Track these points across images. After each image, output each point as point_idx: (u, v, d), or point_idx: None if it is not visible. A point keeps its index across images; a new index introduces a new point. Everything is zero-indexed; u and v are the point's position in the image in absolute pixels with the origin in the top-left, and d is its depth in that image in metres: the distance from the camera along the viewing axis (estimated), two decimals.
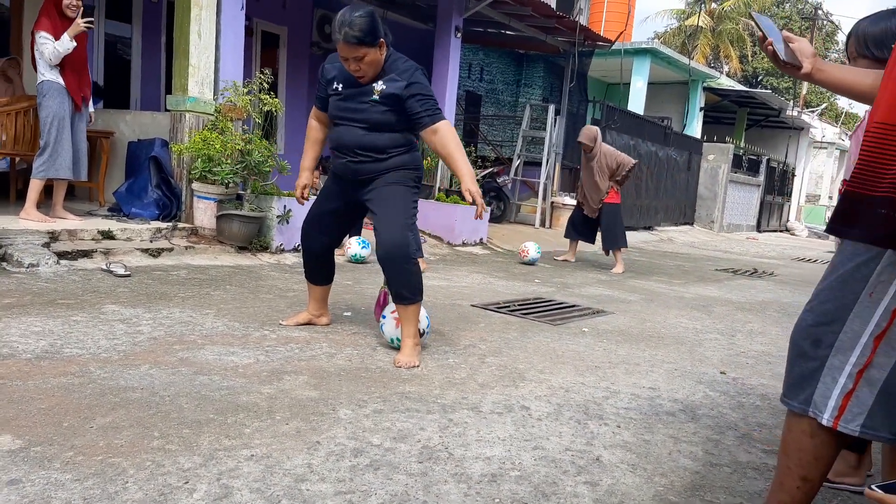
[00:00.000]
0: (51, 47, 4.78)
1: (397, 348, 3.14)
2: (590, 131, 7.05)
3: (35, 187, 4.94)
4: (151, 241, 5.13)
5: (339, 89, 3.03)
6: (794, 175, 20.96)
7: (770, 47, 1.80)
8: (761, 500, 1.97)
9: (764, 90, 18.51)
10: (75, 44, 4.84)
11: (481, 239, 8.17)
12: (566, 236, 7.57)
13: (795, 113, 19.07)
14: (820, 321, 1.59)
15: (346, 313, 3.91)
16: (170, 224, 5.42)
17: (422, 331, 3.19)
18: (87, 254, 4.53)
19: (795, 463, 1.62)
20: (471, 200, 2.88)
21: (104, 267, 4.35)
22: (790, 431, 1.64)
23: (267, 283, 4.62)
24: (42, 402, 2.15)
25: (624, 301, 5.35)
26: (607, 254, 7.45)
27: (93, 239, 4.81)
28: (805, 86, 24.88)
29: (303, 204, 3.39)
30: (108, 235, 4.91)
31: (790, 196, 21.00)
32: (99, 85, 7.39)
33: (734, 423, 2.66)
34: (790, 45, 1.81)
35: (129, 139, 6.10)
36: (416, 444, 2.12)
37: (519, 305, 4.68)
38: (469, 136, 12.24)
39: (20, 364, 2.48)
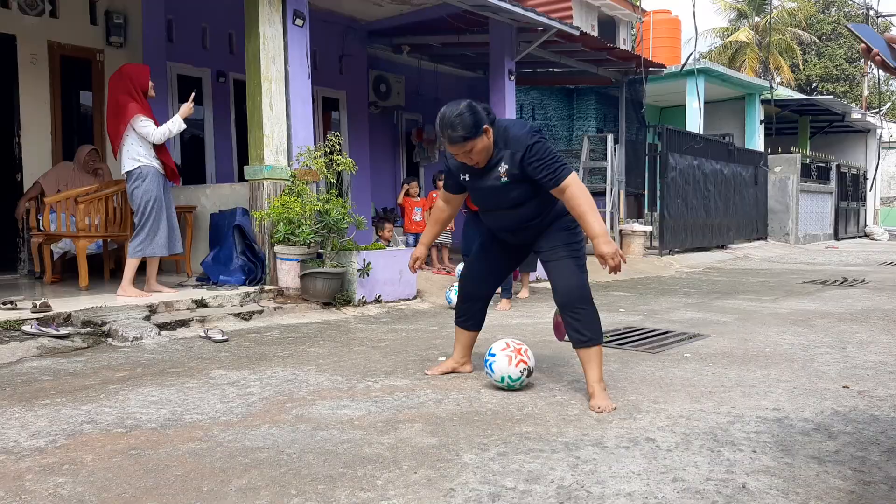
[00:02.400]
0: (163, 129, 5.12)
1: (507, 388, 3.13)
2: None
3: (132, 265, 5.17)
4: (242, 306, 5.28)
5: (467, 178, 3.13)
6: (866, 178, 20.12)
7: (878, 57, 1.74)
8: None
9: (823, 96, 17.98)
10: (185, 125, 5.24)
11: None
12: None
13: (859, 116, 18.41)
14: None
15: (440, 358, 3.89)
16: (256, 288, 5.58)
17: (532, 368, 3.20)
18: (184, 323, 4.69)
19: None
20: (603, 266, 2.87)
21: (202, 334, 4.49)
22: None
23: (357, 335, 4.67)
24: (177, 469, 2.20)
25: (718, 322, 5.17)
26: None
27: (188, 308, 4.99)
28: (866, 87, 24.07)
29: (414, 272, 3.62)
30: (201, 304, 5.08)
31: (865, 200, 20.13)
32: (178, 164, 7.77)
33: (874, 437, 2.50)
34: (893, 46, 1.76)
35: (211, 211, 6.36)
36: (551, 484, 2.07)
37: (611, 336, 4.58)
38: None
39: (147, 434, 2.55)
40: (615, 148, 10.42)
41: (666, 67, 10.57)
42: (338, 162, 5.80)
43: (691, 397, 3.07)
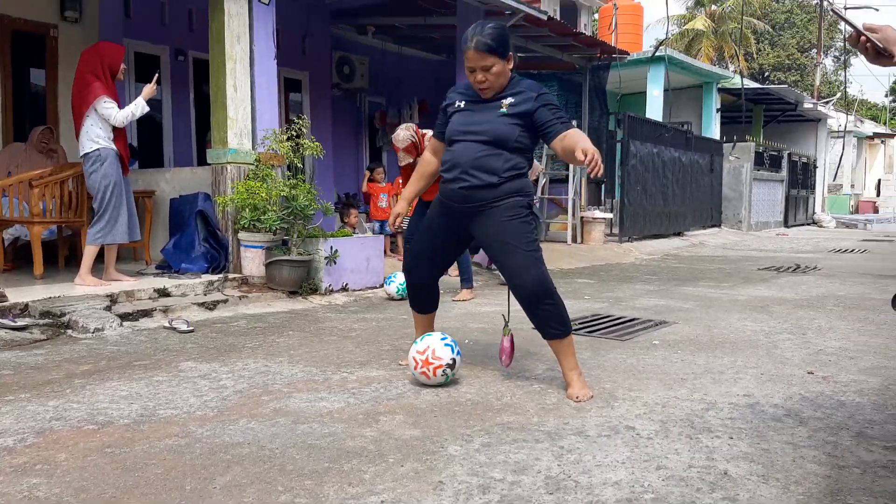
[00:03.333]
0: (126, 112, 4.93)
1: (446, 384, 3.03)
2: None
3: (90, 253, 5.00)
4: (206, 295, 5.16)
5: (461, 105, 2.98)
6: (815, 167, 20.75)
7: (868, 43, 1.77)
8: None
9: (777, 85, 18.43)
10: (148, 108, 5.04)
11: None
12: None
13: (811, 105, 18.95)
14: None
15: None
16: (220, 276, 5.46)
17: (452, 360, 3.03)
18: (147, 313, 4.56)
19: None
20: (581, 159, 2.62)
21: (167, 325, 4.38)
22: None
23: (326, 325, 4.62)
24: (156, 467, 2.14)
25: (681, 309, 5.28)
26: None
27: (150, 298, 4.85)
28: (818, 77, 24.76)
29: (394, 230, 3.42)
30: (163, 293, 4.95)
31: (814, 188, 20.78)
32: (134, 146, 7.52)
33: (843, 422, 2.59)
34: (873, 35, 1.79)
35: (171, 196, 6.18)
36: (538, 475, 2.08)
37: (580, 324, 4.63)
38: None
39: (121, 430, 2.48)
40: None
41: (630, 54, 10.65)
42: (305, 146, 5.70)
43: (664, 384, 3.12)
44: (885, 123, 35.07)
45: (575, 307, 5.41)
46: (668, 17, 12.64)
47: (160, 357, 3.61)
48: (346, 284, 5.93)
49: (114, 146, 4.98)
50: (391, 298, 5.74)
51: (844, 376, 3.27)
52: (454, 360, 3.04)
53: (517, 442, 2.37)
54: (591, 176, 2.70)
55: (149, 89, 5.03)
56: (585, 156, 2.61)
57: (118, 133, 5.03)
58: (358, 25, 10.19)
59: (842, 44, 32.25)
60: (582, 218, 10.47)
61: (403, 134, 5.38)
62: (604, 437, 2.41)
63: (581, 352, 3.76)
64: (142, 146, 7.70)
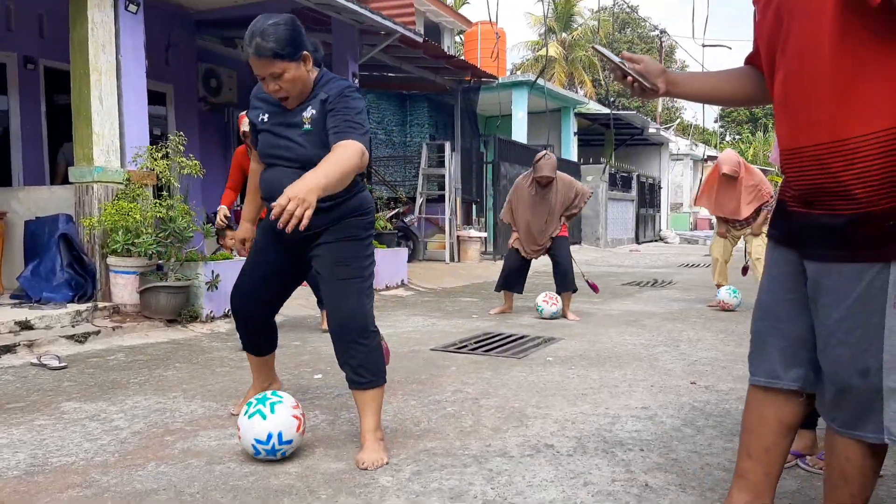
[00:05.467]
0: None
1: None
2: (551, 160, 5.85)
3: None
4: (73, 326, 4.73)
5: (265, 120, 2.49)
6: (660, 187, 22.57)
7: (630, 77, 1.78)
8: (805, 498, 2.12)
9: (625, 111, 19.90)
10: None
11: (402, 280, 8.17)
12: (500, 288, 6.21)
13: (654, 130, 20.63)
14: (856, 351, 1.54)
15: (316, 375, 3.80)
16: (89, 305, 5.03)
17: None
18: (9, 349, 4.11)
19: (859, 489, 1.61)
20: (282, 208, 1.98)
21: (35, 361, 3.96)
22: (851, 460, 1.60)
23: (214, 355, 4.39)
24: None
25: (564, 325, 5.54)
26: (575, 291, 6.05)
27: (10, 332, 4.37)
28: (659, 103, 26.98)
29: (243, 256, 2.90)
30: (26, 325, 4.48)
31: (660, 207, 22.58)
32: None
33: (733, 428, 2.84)
34: (635, 67, 1.79)
35: (26, 217, 5.61)
36: (475, 499, 2.11)
37: (475, 344, 4.73)
38: (366, 179, 12.27)
39: (13, 484, 2.22)
40: (452, 155, 10.75)
41: (498, 79, 11.08)
42: (182, 164, 5.40)
43: (567, 401, 3.27)
44: (715, 146, 38.89)
45: (465, 326, 5.53)
46: (546, 41, 13.22)
47: (35, 398, 3.26)
48: (228, 310, 5.67)
49: None
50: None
51: (723, 385, 3.59)
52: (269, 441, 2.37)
53: (446, 468, 2.38)
54: (279, 227, 1.96)
55: None
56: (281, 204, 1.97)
57: None
58: (225, 38, 9.83)
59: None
60: (458, 237, 10.70)
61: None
62: (527, 457, 2.49)
63: (482, 371, 3.86)
64: None
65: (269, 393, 2.49)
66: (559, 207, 5.94)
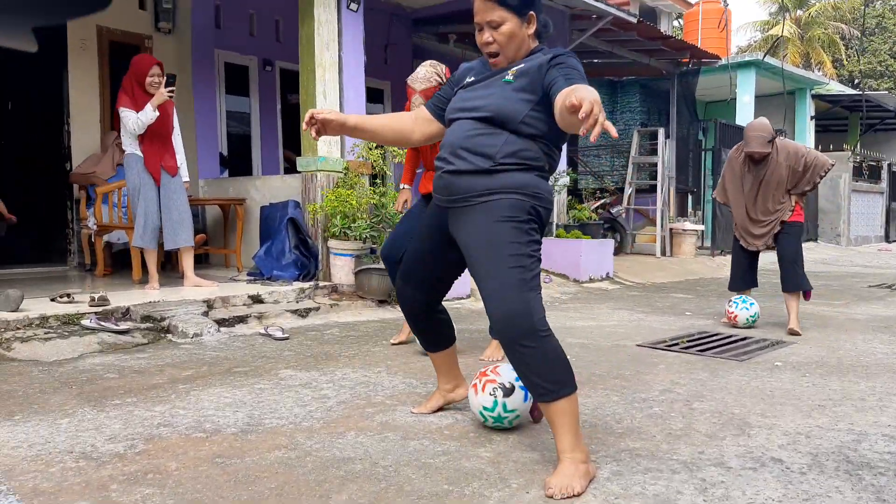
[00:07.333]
0: (133, 118, 4.88)
1: (494, 425, 2.47)
2: (761, 129, 4.72)
3: (134, 255, 5.24)
4: (297, 302, 5.13)
5: (470, 80, 2.31)
6: None
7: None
8: None
9: (874, 91, 17.38)
10: (157, 113, 4.91)
11: (608, 273, 7.83)
12: (732, 289, 5.14)
13: None
14: None
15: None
16: (311, 283, 5.43)
17: (511, 385, 2.45)
18: (242, 319, 4.55)
19: None
20: (573, 117, 1.79)
21: (262, 331, 4.35)
22: None
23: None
24: (269, 480, 2.04)
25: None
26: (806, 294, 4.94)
27: (244, 304, 4.85)
28: None
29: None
30: (257, 300, 4.94)
31: None
32: (224, 155, 7.67)
33: None
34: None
35: (261, 204, 6.22)
36: None
37: (688, 342, 4.33)
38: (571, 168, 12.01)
39: (229, 439, 2.40)
40: (665, 143, 10.10)
41: (720, 59, 10.19)
42: (395, 153, 5.62)
43: (800, 411, 2.83)
44: None
45: (677, 324, 5.12)
46: (784, 17, 12.00)
47: (259, 364, 3.55)
48: None
49: (138, 152, 4.97)
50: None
51: None
52: (509, 385, 2.45)
53: (650, 471, 2.14)
54: (589, 138, 1.67)
55: (158, 96, 4.88)
56: (582, 107, 1.69)
57: (151, 140, 4.97)
58: (438, 34, 10.13)
59: None
60: (671, 230, 10.05)
61: (425, 72, 3.65)
62: (748, 470, 2.16)
63: (696, 372, 3.50)
64: (231, 155, 7.84)
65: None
66: (783, 184, 4.76)
